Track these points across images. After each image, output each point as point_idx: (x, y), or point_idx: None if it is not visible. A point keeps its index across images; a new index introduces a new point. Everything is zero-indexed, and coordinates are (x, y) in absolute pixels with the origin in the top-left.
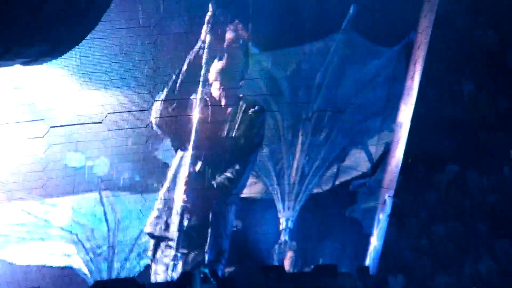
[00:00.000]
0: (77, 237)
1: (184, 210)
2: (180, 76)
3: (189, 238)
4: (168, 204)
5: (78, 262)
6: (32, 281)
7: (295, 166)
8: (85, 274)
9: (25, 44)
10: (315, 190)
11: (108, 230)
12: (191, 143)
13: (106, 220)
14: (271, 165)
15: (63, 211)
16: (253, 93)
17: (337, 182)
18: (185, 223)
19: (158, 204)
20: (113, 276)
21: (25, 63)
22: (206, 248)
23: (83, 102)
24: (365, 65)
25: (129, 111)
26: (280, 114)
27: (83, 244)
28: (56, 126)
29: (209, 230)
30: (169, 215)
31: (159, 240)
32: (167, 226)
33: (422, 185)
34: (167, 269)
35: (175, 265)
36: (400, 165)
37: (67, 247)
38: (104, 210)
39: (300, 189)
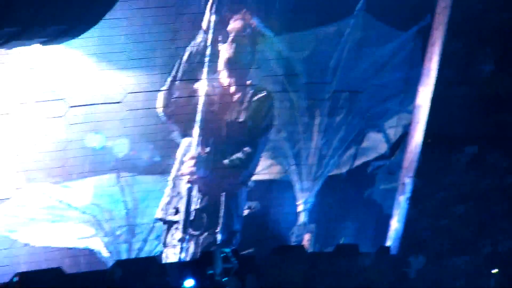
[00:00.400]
0: (95, 218)
1: (193, 192)
2: (182, 65)
3: (200, 220)
4: (177, 189)
5: (97, 244)
6: (52, 262)
7: (312, 148)
8: (104, 256)
9: (43, 23)
10: (333, 172)
11: (127, 212)
12: (199, 129)
13: (125, 202)
14: (288, 147)
15: (82, 193)
16: (268, 75)
17: (356, 163)
18: (195, 205)
19: (168, 189)
20: (132, 257)
21: (43, 43)
22: (218, 229)
23: (102, 82)
24: (381, 47)
25: (149, 91)
26: (297, 96)
27: (101, 226)
28: (76, 106)
29: (221, 211)
30: (179, 200)
31: (170, 224)
32: (177, 210)
33: (442, 166)
34: (178, 251)
35: (186, 248)
36: (420, 147)
37: (86, 229)
38: (122, 191)
39: (318, 171)
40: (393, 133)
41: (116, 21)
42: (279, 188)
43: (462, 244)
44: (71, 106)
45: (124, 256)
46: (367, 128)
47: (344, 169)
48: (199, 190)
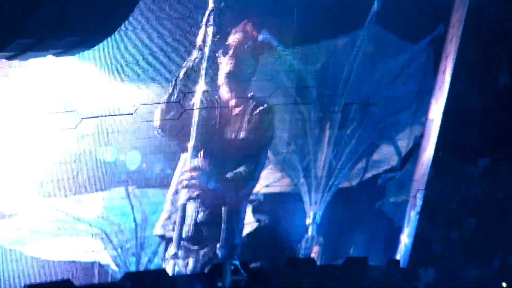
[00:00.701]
0: (104, 232)
1: (190, 207)
2: (181, 79)
3: (200, 235)
4: (176, 204)
5: (106, 258)
6: (62, 274)
7: (322, 160)
8: (113, 269)
9: (57, 34)
10: (343, 184)
11: (136, 225)
12: (199, 144)
13: (134, 215)
14: (298, 160)
15: (92, 206)
16: (279, 87)
17: (366, 176)
18: (195, 219)
19: (167, 205)
20: (142, 269)
21: (57, 54)
22: (219, 244)
23: (115, 93)
24: (393, 58)
25: (162, 103)
26: (307, 108)
27: (110, 240)
28: (88, 118)
29: (222, 226)
30: (177, 215)
31: (169, 240)
32: (175, 225)
33: (453, 178)
34: (173, 267)
35: (184, 263)
36: (431, 159)
37: (95, 242)
38: (132, 204)
39: (328, 184)
40: (405, 145)
41: (130, 33)
42: (288, 200)
43: (473, 257)
44: (83, 118)
45: (133, 269)
46: (378, 140)
47: (354, 182)
48: (199, 205)
